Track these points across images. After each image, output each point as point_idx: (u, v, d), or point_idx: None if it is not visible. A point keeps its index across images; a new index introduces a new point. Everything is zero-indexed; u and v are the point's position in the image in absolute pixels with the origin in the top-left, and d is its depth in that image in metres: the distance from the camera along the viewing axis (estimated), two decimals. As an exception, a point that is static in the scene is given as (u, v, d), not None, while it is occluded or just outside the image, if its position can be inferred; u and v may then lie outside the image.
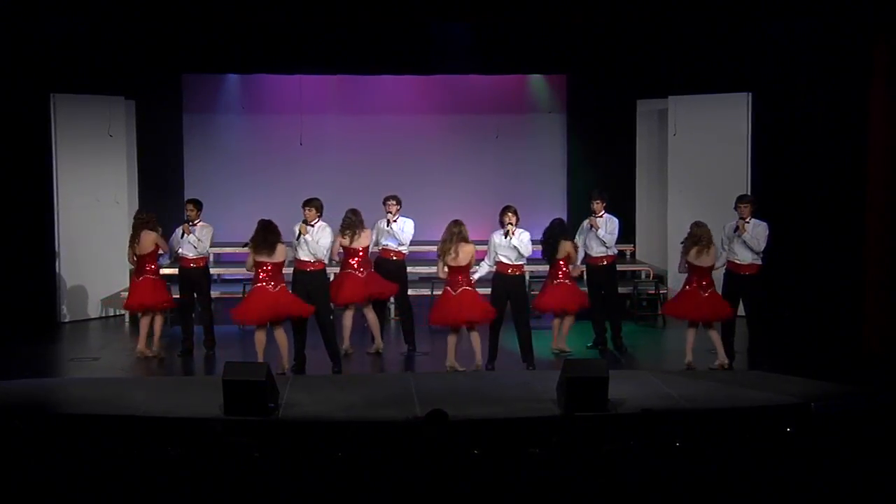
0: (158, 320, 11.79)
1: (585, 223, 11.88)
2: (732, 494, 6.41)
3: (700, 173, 13.85)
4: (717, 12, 12.36)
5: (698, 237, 10.82)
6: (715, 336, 10.83)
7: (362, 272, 11.51)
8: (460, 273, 10.75)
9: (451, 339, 10.86)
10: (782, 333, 11.12)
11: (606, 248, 11.80)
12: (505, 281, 10.89)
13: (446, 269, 10.78)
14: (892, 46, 11.50)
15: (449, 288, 10.82)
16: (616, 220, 11.93)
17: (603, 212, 11.83)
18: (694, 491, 6.39)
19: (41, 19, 12.44)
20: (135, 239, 11.57)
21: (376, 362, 11.52)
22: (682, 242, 11.01)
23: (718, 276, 11.12)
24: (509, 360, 11.06)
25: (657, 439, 7.00)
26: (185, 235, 11.59)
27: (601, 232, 11.73)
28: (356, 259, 11.50)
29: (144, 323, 11.67)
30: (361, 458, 6.78)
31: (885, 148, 11.56)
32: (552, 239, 11.52)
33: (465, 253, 10.70)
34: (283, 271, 10.77)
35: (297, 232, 10.84)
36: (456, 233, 10.72)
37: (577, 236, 11.82)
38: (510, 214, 10.93)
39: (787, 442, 7.51)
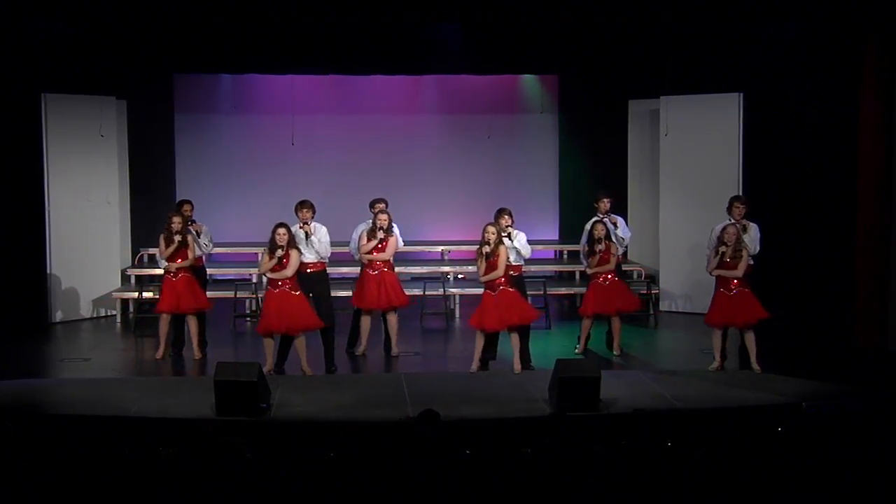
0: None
1: (608, 223, 11.71)
2: (724, 494, 6.42)
3: (692, 173, 13.87)
4: (708, 13, 12.37)
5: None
6: (717, 340, 10.79)
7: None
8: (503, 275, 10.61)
9: (480, 341, 10.75)
10: (773, 333, 11.14)
11: (623, 246, 11.80)
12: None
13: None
14: (881, 47, 11.53)
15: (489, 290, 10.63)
16: (622, 219, 11.97)
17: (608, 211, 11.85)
18: (685, 491, 6.40)
19: (32, 19, 12.41)
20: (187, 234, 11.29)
21: (368, 362, 11.49)
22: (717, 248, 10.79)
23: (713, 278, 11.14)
24: (501, 361, 11.04)
25: (649, 439, 7.00)
26: (200, 237, 11.54)
27: (620, 231, 11.72)
28: (384, 262, 11.38)
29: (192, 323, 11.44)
30: (353, 458, 6.77)
31: (874, 147, 11.59)
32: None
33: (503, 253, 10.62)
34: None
35: (304, 234, 10.77)
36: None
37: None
38: (506, 217, 10.90)
39: (779, 441, 7.52)
